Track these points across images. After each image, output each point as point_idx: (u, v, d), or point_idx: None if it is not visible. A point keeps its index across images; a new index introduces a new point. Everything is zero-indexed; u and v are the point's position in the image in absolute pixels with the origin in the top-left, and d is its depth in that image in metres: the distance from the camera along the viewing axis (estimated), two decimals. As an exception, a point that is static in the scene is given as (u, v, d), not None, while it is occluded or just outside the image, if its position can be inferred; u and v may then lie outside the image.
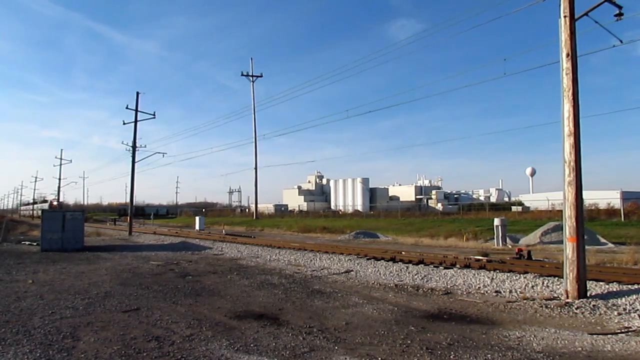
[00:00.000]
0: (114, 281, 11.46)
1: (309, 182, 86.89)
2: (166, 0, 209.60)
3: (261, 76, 34.77)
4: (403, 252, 17.06)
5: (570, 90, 8.95)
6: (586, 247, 9.41)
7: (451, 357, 5.51)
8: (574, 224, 8.77)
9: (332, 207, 73.97)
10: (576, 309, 8.00)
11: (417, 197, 77.01)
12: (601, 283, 9.85)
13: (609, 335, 6.41)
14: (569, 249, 8.80)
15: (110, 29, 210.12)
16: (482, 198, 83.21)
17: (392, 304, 8.76)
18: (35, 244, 22.63)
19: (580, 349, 5.85)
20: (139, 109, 33.76)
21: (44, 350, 5.76)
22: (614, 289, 9.38)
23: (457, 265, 13.13)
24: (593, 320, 7.35)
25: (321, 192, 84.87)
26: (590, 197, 34.04)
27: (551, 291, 9.56)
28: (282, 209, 74.38)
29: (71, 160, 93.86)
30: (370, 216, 53.52)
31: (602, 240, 20.89)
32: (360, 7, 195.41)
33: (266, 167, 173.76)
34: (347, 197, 73.86)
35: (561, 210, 9.57)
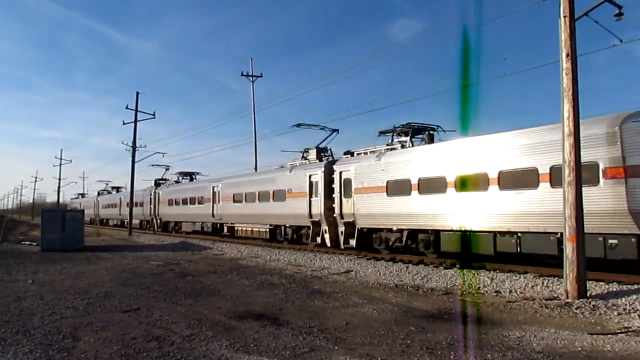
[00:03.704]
0: (114, 281, 11.46)
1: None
2: (166, 1, 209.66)
3: (261, 76, 34.58)
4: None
5: (570, 90, 8.94)
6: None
7: (451, 357, 5.51)
8: (574, 224, 8.76)
9: (332, 207, 73.45)
10: (576, 309, 8.00)
11: (418, 197, 76.45)
12: (601, 283, 9.85)
13: (609, 335, 6.40)
14: (569, 249, 8.79)
15: (111, 28, 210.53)
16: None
17: (392, 304, 8.76)
18: (35, 244, 22.61)
19: (580, 349, 5.84)
20: (138, 109, 33.77)
21: (44, 350, 5.76)
22: (614, 289, 9.38)
23: (457, 265, 13.13)
24: (593, 320, 7.34)
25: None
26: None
27: (551, 291, 9.55)
28: (283, 209, 73.90)
29: (71, 160, 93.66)
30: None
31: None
32: (360, 7, 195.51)
33: (266, 167, 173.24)
34: (348, 197, 73.36)
35: (561, 211, 9.12)
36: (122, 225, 44.51)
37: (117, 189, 52.90)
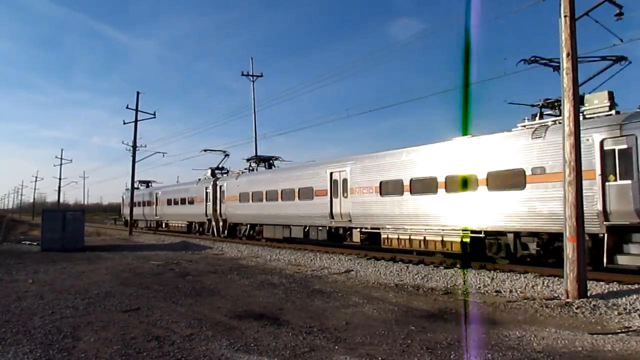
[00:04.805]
0: (114, 281, 11.46)
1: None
2: (166, 0, 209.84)
3: (261, 76, 34.47)
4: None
5: (570, 90, 8.94)
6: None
7: (451, 357, 5.51)
8: (574, 224, 8.76)
9: (333, 207, 72.97)
10: (576, 308, 8.00)
11: (418, 197, 76.20)
12: (601, 283, 9.85)
13: (609, 335, 6.40)
14: (569, 249, 8.79)
15: (111, 28, 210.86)
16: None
17: (393, 303, 8.76)
18: (35, 243, 22.63)
19: (580, 348, 5.84)
20: (139, 109, 33.76)
21: (44, 350, 5.76)
22: (614, 289, 9.37)
23: (457, 265, 13.14)
24: (593, 320, 7.34)
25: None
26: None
27: (551, 291, 9.55)
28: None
29: (71, 160, 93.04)
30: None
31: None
32: (360, 7, 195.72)
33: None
34: (348, 197, 73.19)
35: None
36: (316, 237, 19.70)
37: (269, 162, 26.35)
